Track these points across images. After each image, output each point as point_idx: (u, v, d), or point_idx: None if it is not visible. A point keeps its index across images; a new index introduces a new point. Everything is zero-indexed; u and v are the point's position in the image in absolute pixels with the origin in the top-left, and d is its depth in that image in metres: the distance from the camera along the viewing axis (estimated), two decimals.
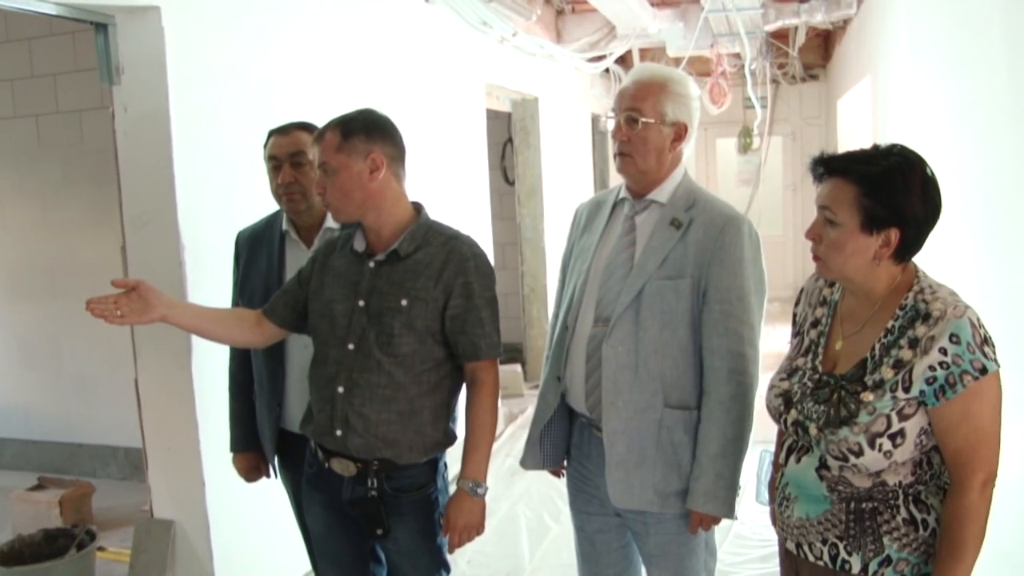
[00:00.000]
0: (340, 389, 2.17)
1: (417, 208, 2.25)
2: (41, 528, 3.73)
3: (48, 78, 5.09)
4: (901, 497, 1.66)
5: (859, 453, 1.63)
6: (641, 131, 2.15)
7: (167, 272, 2.95)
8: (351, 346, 2.16)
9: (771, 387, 1.85)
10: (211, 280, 2.88)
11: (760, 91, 8.77)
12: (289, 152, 2.51)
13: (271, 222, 2.67)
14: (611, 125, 2.22)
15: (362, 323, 2.16)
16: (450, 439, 2.25)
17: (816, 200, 1.72)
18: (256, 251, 2.64)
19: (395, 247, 2.16)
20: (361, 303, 2.17)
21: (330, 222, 2.56)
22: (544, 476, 2.54)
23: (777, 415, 1.82)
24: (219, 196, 3.12)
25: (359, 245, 2.22)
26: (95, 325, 4.98)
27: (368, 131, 2.12)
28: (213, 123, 3.13)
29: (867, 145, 1.74)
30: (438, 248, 2.17)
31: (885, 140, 1.84)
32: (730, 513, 2.11)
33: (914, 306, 1.64)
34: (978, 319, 1.60)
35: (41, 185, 5.23)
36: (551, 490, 4.58)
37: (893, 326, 1.66)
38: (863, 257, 1.66)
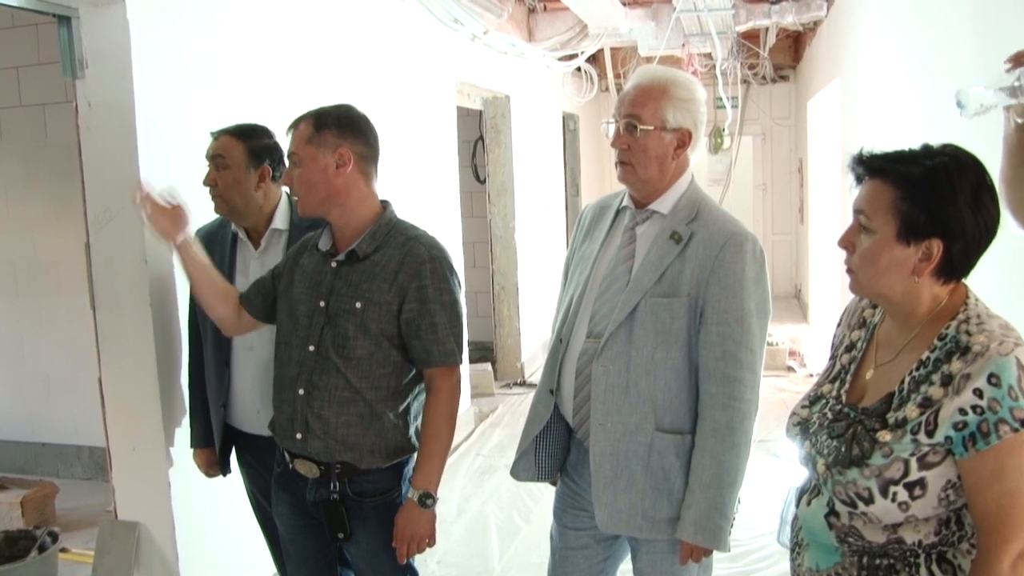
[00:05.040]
0: (300, 391, 2.15)
1: (384, 207, 2.22)
2: (2, 530, 3.67)
3: (11, 71, 4.99)
4: (923, 556, 1.45)
5: (868, 500, 1.43)
6: (641, 139, 2.04)
7: (131, 270, 2.89)
8: (312, 348, 2.14)
9: (792, 414, 1.67)
10: (176, 279, 2.83)
11: (731, 91, 8.82)
12: (210, 155, 2.56)
13: (224, 222, 2.68)
14: (611, 131, 2.10)
15: (321, 324, 2.13)
16: (415, 445, 2.21)
17: (853, 203, 1.51)
18: (210, 251, 2.61)
19: (354, 247, 2.13)
20: (322, 304, 2.14)
21: (277, 223, 2.57)
22: None
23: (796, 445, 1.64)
24: (186, 193, 3.05)
25: (324, 244, 2.19)
26: (58, 322, 4.99)
27: (340, 126, 2.11)
28: (180, 119, 3.07)
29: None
30: (396, 249, 2.12)
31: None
32: (722, 546, 2.01)
33: (955, 337, 1.41)
34: None
35: (2, 179, 5.14)
36: (520, 490, 4.57)
37: (928, 358, 1.43)
38: (899, 271, 1.43)
